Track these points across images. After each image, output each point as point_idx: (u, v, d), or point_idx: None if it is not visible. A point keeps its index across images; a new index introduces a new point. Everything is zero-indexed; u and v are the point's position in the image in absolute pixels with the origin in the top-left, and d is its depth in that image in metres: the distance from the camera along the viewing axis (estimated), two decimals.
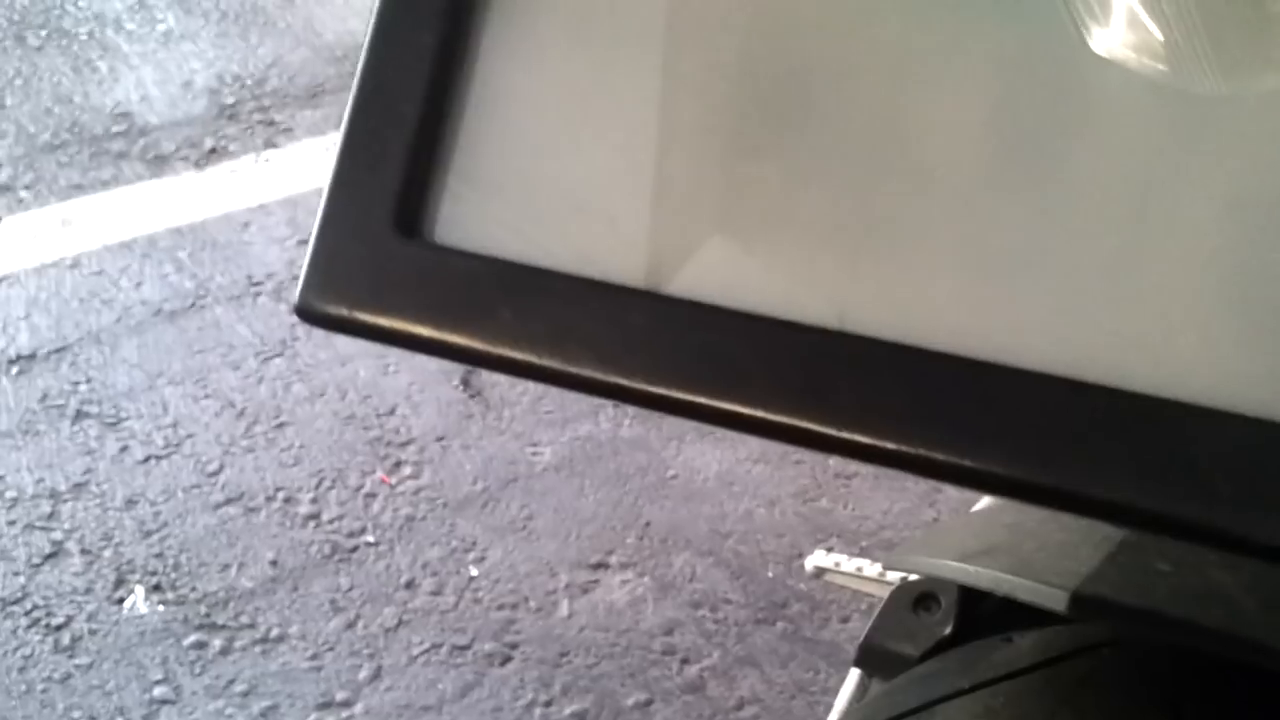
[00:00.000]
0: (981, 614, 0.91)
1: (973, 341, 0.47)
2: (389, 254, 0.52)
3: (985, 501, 1.13)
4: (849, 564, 1.59)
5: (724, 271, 0.50)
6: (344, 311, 0.53)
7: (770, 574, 2.09)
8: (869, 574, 1.57)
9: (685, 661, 1.97)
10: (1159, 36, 0.47)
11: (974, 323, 0.47)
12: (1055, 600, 0.73)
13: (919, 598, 0.95)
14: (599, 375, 0.50)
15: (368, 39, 0.54)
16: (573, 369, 0.50)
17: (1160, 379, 0.44)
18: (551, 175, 0.53)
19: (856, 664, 1.00)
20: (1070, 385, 0.45)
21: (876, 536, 2.16)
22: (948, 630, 0.91)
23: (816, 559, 1.61)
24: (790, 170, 0.50)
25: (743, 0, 0.51)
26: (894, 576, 1.11)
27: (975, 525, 0.94)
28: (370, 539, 2.10)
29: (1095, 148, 0.47)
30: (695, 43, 0.52)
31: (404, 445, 2.27)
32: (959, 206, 0.48)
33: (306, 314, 0.53)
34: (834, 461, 2.28)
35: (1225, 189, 0.45)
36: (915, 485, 2.25)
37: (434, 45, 0.53)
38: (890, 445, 0.46)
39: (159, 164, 2.90)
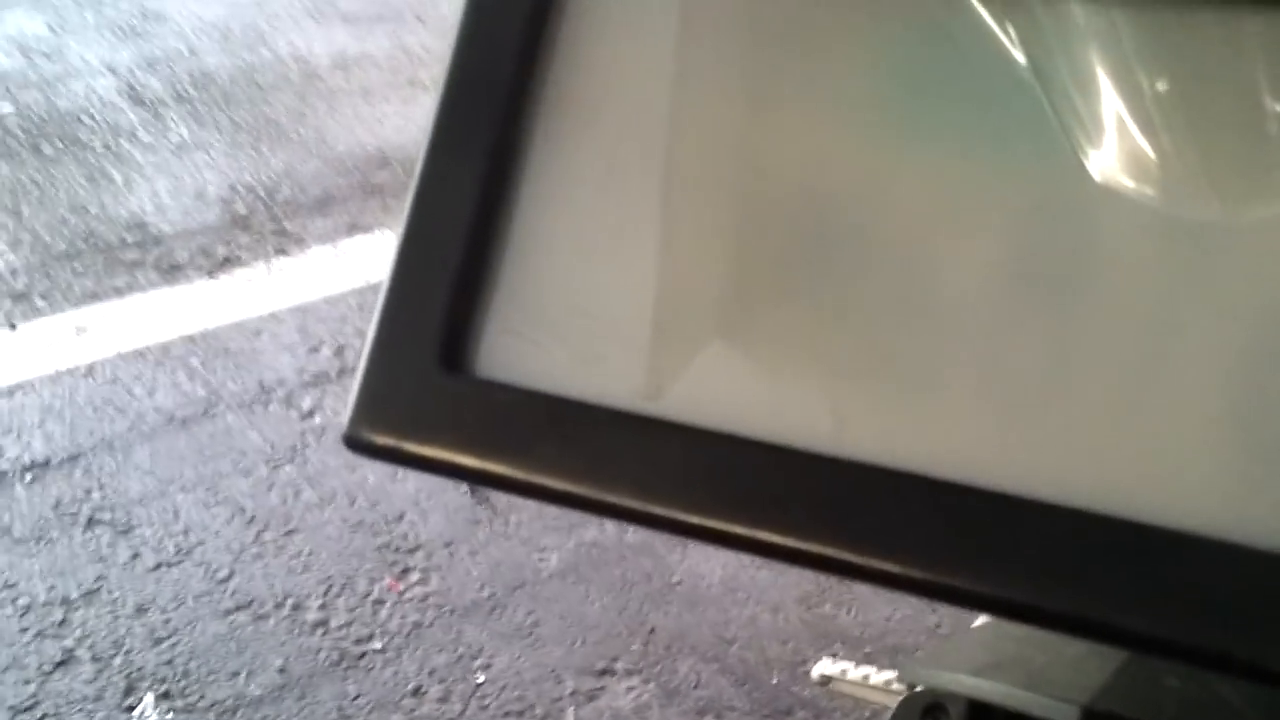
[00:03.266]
0: None
1: (984, 472, 0.49)
2: (433, 387, 0.55)
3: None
4: (855, 672, 1.60)
5: (753, 405, 0.53)
6: (390, 442, 0.56)
7: (775, 680, 2.11)
8: (875, 682, 1.59)
9: None
10: (1157, 165, 0.50)
11: (985, 454, 0.49)
12: (1065, 715, 0.74)
13: (927, 708, 0.96)
14: (635, 505, 0.52)
15: (414, 186, 0.58)
16: (609, 499, 0.53)
17: (1168, 511, 0.46)
18: (584, 314, 0.56)
19: None
20: (1078, 516, 0.47)
21: (881, 642, 2.18)
22: None
23: (822, 667, 1.63)
24: (808, 311, 0.53)
25: (748, 156, 0.55)
26: (900, 686, 1.13)
27: (985, 638, 0.96)
28: (378, 646, 2.12)
29: (1100, 281, 0.49)
30: (712, 195, 0.55)
31: (412, 551, 2.29)
32: (966, 343, 0.50)
33: (354, 444, 0.56)
34: None
35: (1226, 318, 0.47)
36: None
37: (475, 196, 0.57)
38: (909, 572, 0.49)
39: (172, 272, 2.95)
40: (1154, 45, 0.50)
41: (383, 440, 0.56)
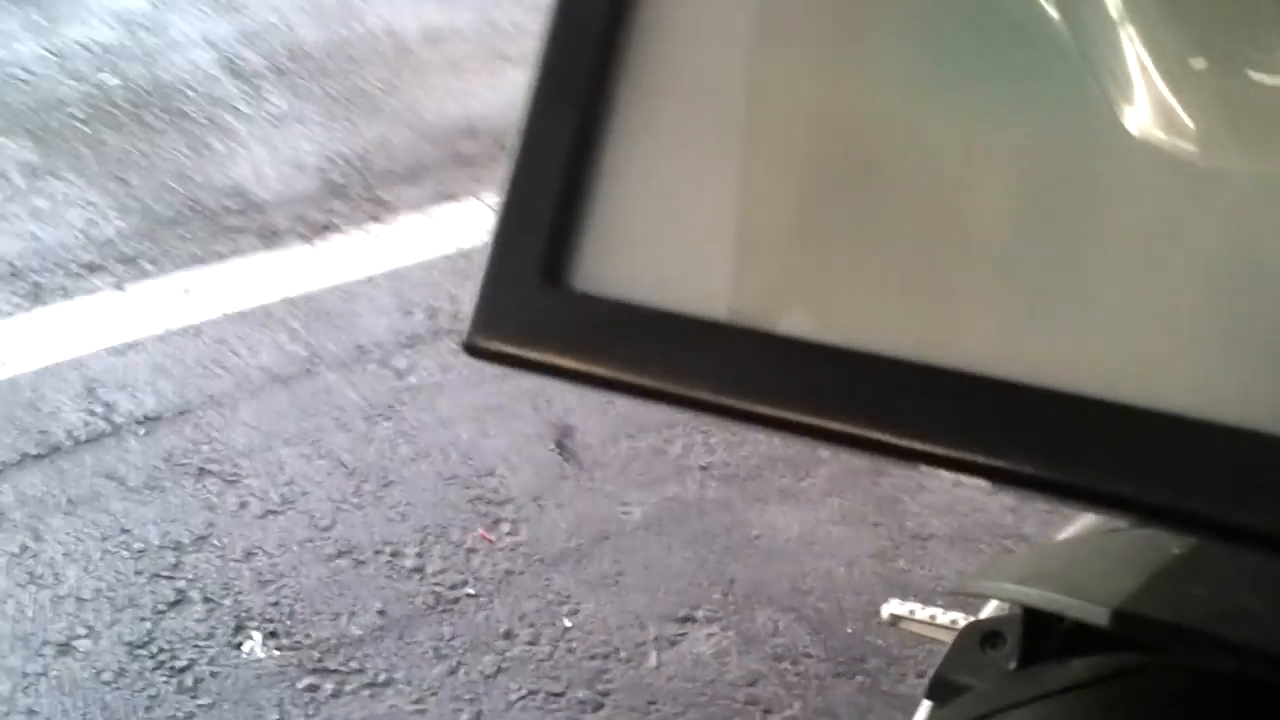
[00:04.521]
0: (1044, 650, 0.99)
1: (1013, 367, 0.56)
2: (538, 300, 0.64)
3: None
4: (923, 612, 1.68)
5: (815, 315, 0.61)
6: (503, 348, 0.64)
7: (849, 630, 2.19)
8: (941, 621, 1.67)
9: (768, 712, 2.07)
10: (1186, 119, 0.57)
11: (1007, 349, 0.57)
12: (1099, 616, 0.82)
13: (986, 635, 1.03)
14: (710, 398, 0.61)
15: (521, 124, 0.66)
16: (689, 393, 0.61)
17: (1160, 395, 0.54)
18: (668, 237, 0.64)
19: (928, 696, 1.09)
20: (1089, 401, 0.55)
21: (952, 597, 2.26)
22: (1012, 665, 0.99)
23: (891, 607, 1.71)
24: (863, 235, 0.61)
25: (810, 103, 0.63)
26: (964, 622, 1.21)
27: (1030, 557, 1.03)
28: (471, 591, 2.23)
29: (1115, 207, 0.56)
30: (779, 134, 0.63)
31: (502, 504, 2.40)
32: (992, 257, 0.58)
33: (472, 349, 0.65)
34: (910, 523, 2.39)
35: (1231, 247, 0.54)
36: (989, 547, 2.35)
37: (574, 133, 0.65)
38: (948, 452, 0.57)
39: (272, 238, 3.08)
40: (1179, 22, 0.58)
41: (496, 347, 0.64)
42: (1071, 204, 0.57)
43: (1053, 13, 0.59)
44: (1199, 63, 0.58)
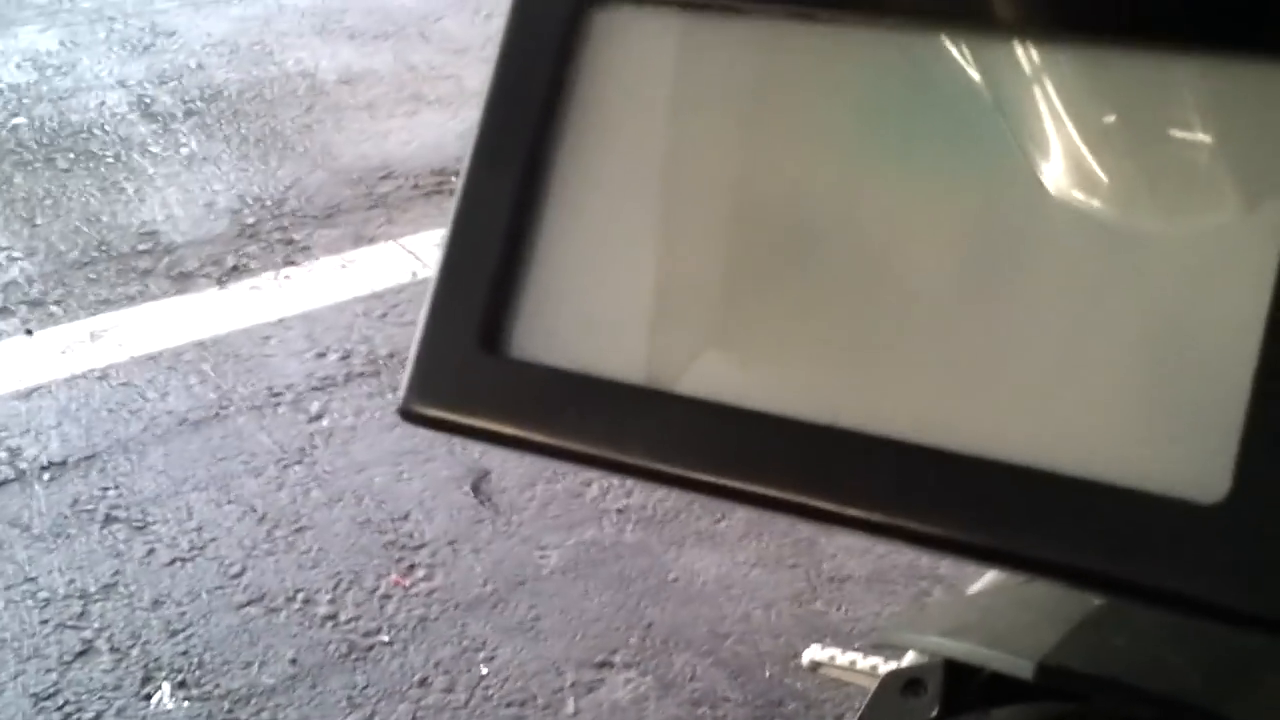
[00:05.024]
0: (965, 699, 0.99)
1: (936, 432, 0.57)
2: (475, 366, 0.65)
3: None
4: (843, 658, 1.68)
5: (742, 379, 0.62)
6: (438, 413, 0.65)
7: (768, 673, 2.19)
8: (861, 667, 1.67)
9: None
10: (1100, 183, 0.58)
11: (938, 417, 0.58)
12: (1024, 669, 0.82)
13: (907, 683, 1.03)
14: (644, 463, 0.61)
15: (459, 192, 0.67)
16: (623, 459, 0.62)
17: (1084, 462, 0.55)
18: (604, 305, 0.65)
19: None
20: (1009, 468, 0.56)
21: (869, 638, 2.26)
22: (934, 713, 0.99)
23: (812, 653, 1.71)
24: (792, 303, 0.62)
25: (741, 174, 0.64)
26: (885, 669, 1.21)
27: (952, 607, 1.04)
28: (385, 639, 2.20)
29: (1042, 274, 0.57)
30: (710, 205, 0.64)
31: (417, 549, 2.37)
32: (926, 327, 0.59)
33: (407, 415, 0.66)
34: (827, 565, 2.39)
35: (1145, 306, 0.56)
36: (905, 589, 2.35)
37: (511, 203, 0.66)
38: (873, 517, 0.58)
39: (183, 280, 3.04)
40: (1098, 81, 0.59)
41: (432, 412, 0.65)
42: (990, 268, 0.58)
43: (974, 75, 0.61)
44: (1112, 120, 0.59)
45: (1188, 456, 0.54)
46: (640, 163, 0.66)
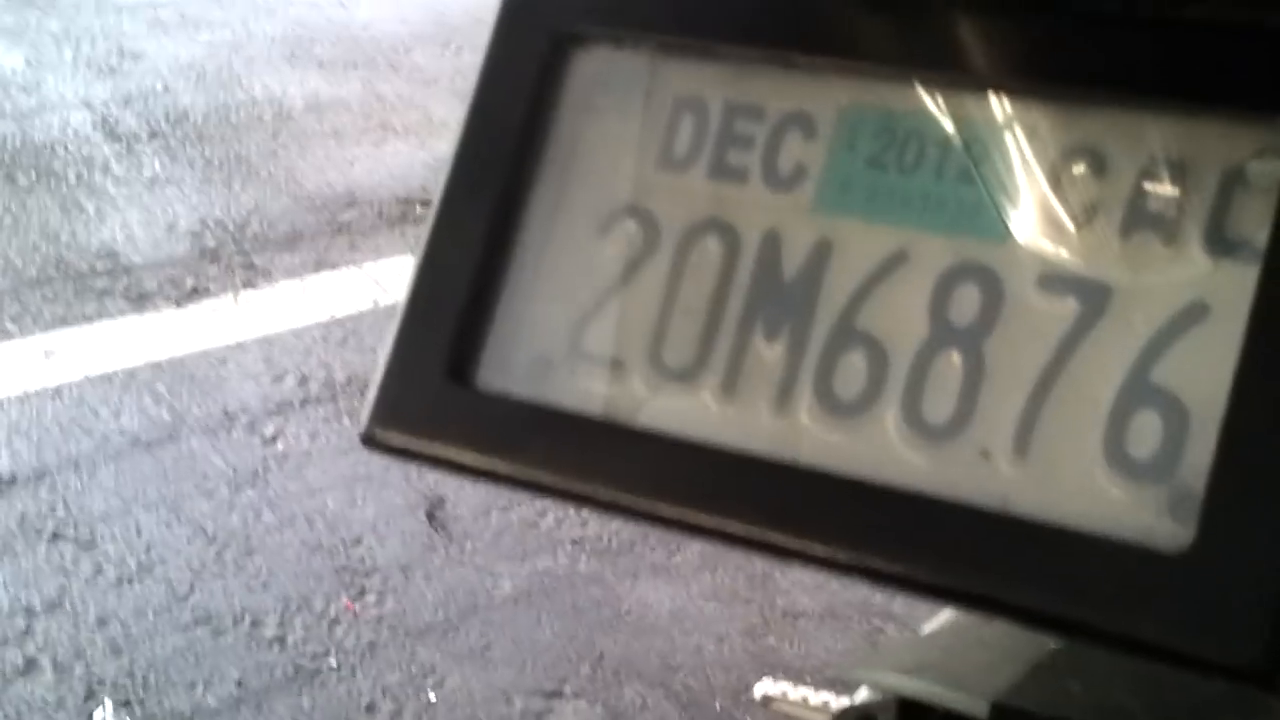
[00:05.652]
0: None
1: (902, 476, 0.58)
2: (442, 396, 0.65)
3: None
4: (795, 693, 1.68)
5: (705, 416, 0.63)
6: (402, 441, 0.65)
7: (718, 706, 2.17)
8: (814, 703, 1.66)
9: None
10: (1072, 230, 0.59)
11: (905, 461, 0.59)
12: (979, 709, 0.83)
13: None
14: (607, 496, 0.62)
15: (430, 225, 0.68)
16: (586, 491, 0.62)
17: (1049, 510, 0.56)
18: (570, 339, 0.66)
19: None
20: (971, 510, 0.57)
21: (821, 674, 2.25)
22: None
23: (764, 687, 1.70)
24: (758, 344, 0.63)
25: (707, 216, 0.65)
26: (837, 705, 1.20)
27: (910, 645, 1.03)
28: (333, 663, 2.17)
29: (1009, 325, 0.58)
30: (677, 247, 0.65)
31: (369, 574, 2.35)
32: (892, 375, 0.60)
33: (370, 442, 0.66)
34: (781, 600, 2.38)
35: (1110, 358, 0.57)
36: (859, 625, 2.35)
37: (482, 237, 0.67)
38: (837, 555, 0.58)
39: (141, 301, 3.02)
40: (1069, 133, 0.60)
41: (395, 440, 0.66)
42: (957, 315, 0.59)
43: (946, 123, 0.62)
44: (1082, 172, 0.59)
45: (1153, 504, 0.54)
46: (612, 201, 0.67)
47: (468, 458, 0.65)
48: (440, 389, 0.65)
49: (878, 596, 2.41)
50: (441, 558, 2.41)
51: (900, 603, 2.39)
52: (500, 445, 0.64)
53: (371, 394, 0.66)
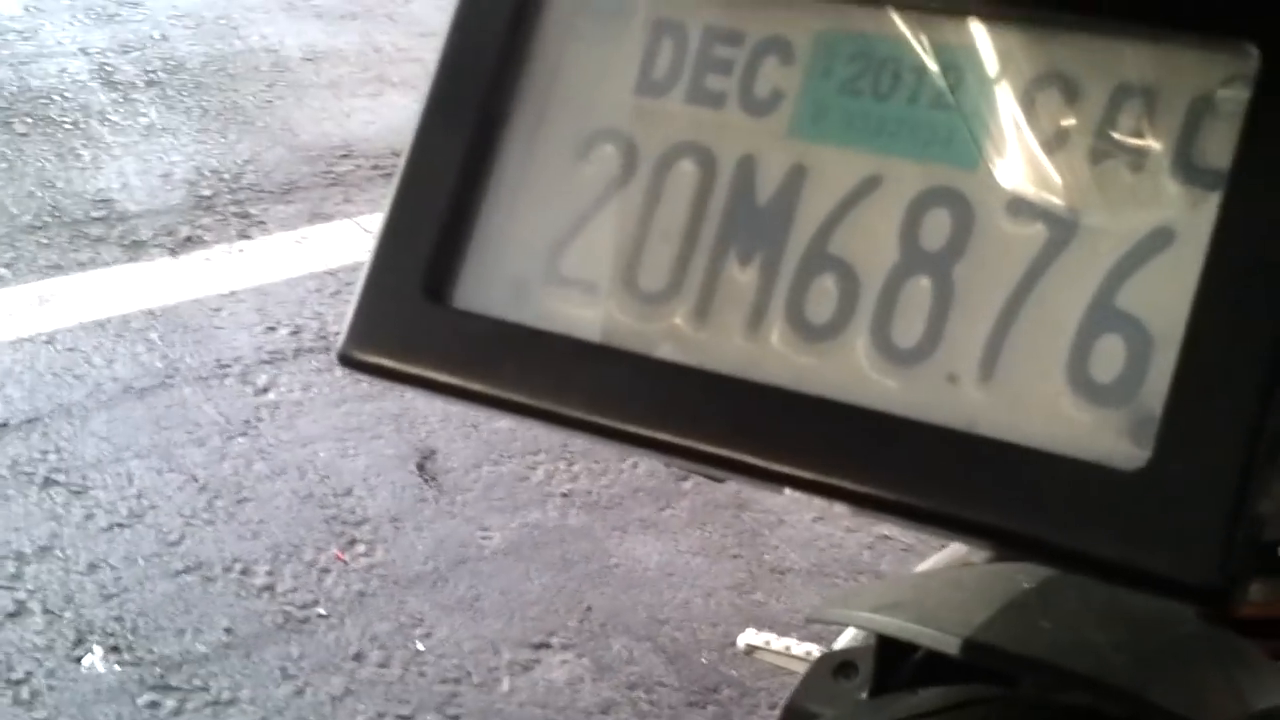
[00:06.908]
0: (896, 681, 1.00)
1: (873, 397, 0.59)
2: (418, 315, 0.65)
3: None
4: (778, 642, 1.70)
5: (684, 337, 0.63)
6: (378, 360, 0.66)
7: (704, 660, 2.19)
8: (797, 652, 1.68)
9: None
10: (1043, 158, 0.60)
11: (876, 383, 0.59)
12: (950, 645, 0.83)
13: (839, 666, 1.03)
14: (582, 416, 0.62)
15: (410, 144, 0.68)
16: (562, 411, 0.63)
17: (1011, 430, 0.57)
18: (546, 260, 0.66)
19: None
20: (936, 429, 0.57)
21: (807, 629, 2.26)
22: (864, 694, 1.00)
23: (748, 637, 1.72)
24: (733, 269, 0.63)
25: (686, 139, 0.65)
26: (819, 653, 1.21)
27: (886, 587, 1.05)
28: (322, 611, 2.18)
29: (978, 249, 0.59)
30: (654, 170, 0.65)
31: (359, 524, 2.36)
32: (874, 299, 0.60)
33: (347, 361, 0.66)
34: (769, 556, 2.39)
35: (1073, 286, 0.57)
36: (845, 582, 2.36)
37: (461, 157, 0.67)
38: (803, 474, 0.59)
39: (136, 249, 3.01)
40: (1044, 60, 0.60)
41: (371, 359, 0.66)
42: (929, 240, 0.60)
43: (920, 50, 0.62)
44: (1052, 96, 0.59)
45: (1114, 427, 0.55)
46: (590, 124, 0.67)
47: (443, 376, 0.65)
48: (417, 308, 0.65)
49: (866, 554, 2.42)
50: (432, 509, 2.41)
51: (888, 560, 2.41)
52: (476, 365, 0.64)
53: (349, 314, 0.66)
